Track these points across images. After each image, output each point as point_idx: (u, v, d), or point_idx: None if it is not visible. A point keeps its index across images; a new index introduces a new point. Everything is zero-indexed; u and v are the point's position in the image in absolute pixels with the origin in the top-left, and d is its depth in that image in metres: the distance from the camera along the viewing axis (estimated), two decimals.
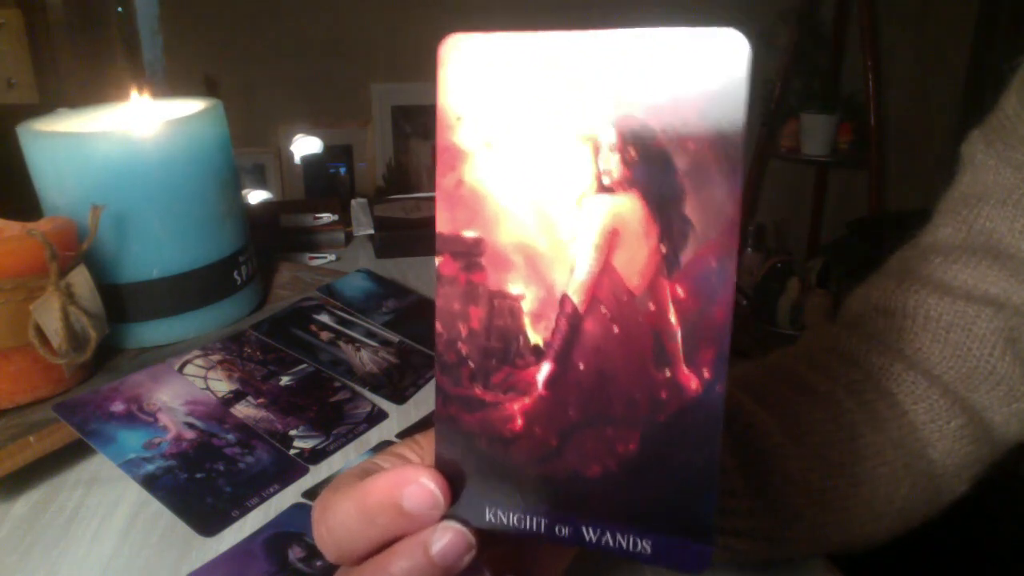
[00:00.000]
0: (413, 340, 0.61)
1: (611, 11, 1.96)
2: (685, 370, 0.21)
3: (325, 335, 0.58)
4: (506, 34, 0.21)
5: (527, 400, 0.23)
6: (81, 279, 0.48)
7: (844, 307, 0.48)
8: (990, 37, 2.14)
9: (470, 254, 0.23)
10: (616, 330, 0.22)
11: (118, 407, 0.46)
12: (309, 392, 0.52)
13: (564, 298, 0.22)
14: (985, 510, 0.55)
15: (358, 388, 0.54)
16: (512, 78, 0.21)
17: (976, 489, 0.42)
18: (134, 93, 0.58)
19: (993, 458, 0.42)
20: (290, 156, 2.01)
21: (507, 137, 0.22)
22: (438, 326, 0.23)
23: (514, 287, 0.22)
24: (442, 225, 0.23)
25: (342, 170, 2.05)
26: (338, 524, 0.24)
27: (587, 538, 0.23)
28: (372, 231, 0.84)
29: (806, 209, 2.41)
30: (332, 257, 0.81)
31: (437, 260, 0.23)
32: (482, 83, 0.22)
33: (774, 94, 2.20)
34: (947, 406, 0.40)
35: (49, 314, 0.46)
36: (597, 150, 0.21)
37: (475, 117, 0.22)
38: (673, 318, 0.21)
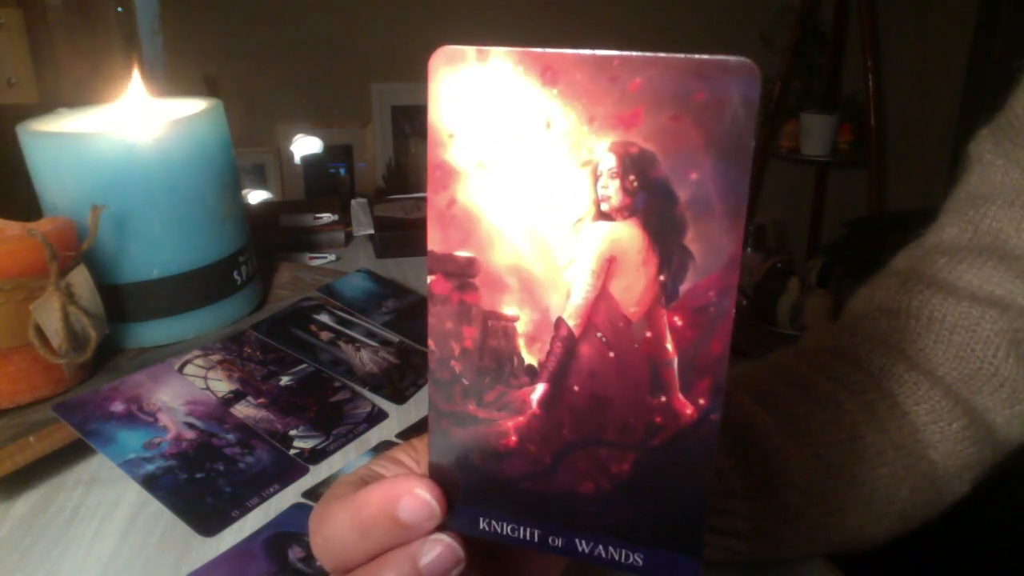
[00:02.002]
0: (413, 340, 0.60)
1: (616, 17, 1.97)
2: (680, 398, 0.21)
3: (325, 335, 0.58)
4: (502, 48, 0.20)
5: (521, 418, 0.23)
6: (81, 279, 0.48)
7: (846, 307, 0.48)
8: (990, 37, 2.14)
9: (463, 275, 0.22)
10: (612, 355, 0.21)
11: (118, 407, 0.46)
12: (309, 392, 0.52)
13: (559, 321, 0.21)
14: (986, 511, 0.54)
15: (358, 388, 0.54)
16: (508, 95, 0.20)
17: (977, 490, 0.42)
18: (134, 76, 0.58)
19: (995, 460, 0.42)
20: (290, 156, 2.01)
21: (501, 157, 0.21)
22: (431, 343, 0.23)
23: (508, 309, 0.22)
24: (434, 244, 0.22)
25: (342, 170, 2.05)
26: (334, 535, 0.24)
27: (579, 549, 0.23)
28: (372, 231, 0.84)
29: (806, 209, 2.41)
30: (332, 257, 0.81)
31: (429, 279, 0.22)
32: (475, 99, 0.20)
33: (774, 94, 2.20)
34: (949, 408, 0.40)
35: (49, 314, 0.46)
36: (596, 175, 0.20)
37: (468, 135, 0.21)
38: (670, 346, 0.21)
